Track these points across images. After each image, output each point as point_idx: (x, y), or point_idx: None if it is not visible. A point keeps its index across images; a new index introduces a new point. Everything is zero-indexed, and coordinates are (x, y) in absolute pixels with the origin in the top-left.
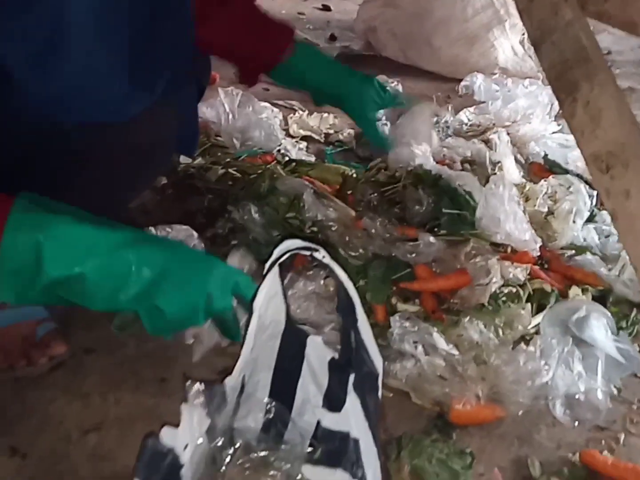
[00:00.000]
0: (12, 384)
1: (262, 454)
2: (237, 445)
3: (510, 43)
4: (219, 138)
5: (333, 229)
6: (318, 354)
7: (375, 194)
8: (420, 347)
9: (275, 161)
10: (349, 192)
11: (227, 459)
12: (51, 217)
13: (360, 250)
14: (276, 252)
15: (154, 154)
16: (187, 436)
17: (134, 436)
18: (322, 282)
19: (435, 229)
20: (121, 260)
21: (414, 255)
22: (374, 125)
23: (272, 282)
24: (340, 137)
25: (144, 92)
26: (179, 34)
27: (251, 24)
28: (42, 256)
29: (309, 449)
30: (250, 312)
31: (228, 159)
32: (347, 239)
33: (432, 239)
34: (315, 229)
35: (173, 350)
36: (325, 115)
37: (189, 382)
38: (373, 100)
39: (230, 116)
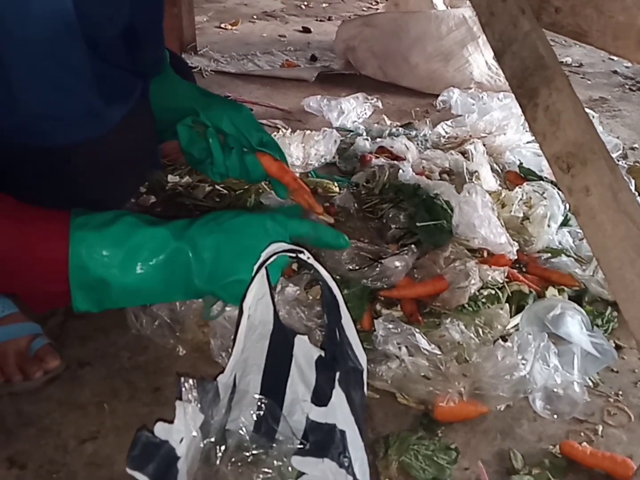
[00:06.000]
0: (8, 398)
1: (255, 452)
2: (230, 443)
3: (484, 58)
4: None
5: None
6: (305, 352)
7: (356, 206)
8: (404, 348)
9: None
10: (330, 204)
11: (221, 457)
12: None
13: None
14: (263, 255)
15: (140, 155)
16: (181, 430)
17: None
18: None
19: (412, 245)
20: (180, 254)
21: (377, 282)
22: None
23: (260, 283)
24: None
25: (118, 102)
26: (153, 34)
27: None
28: (107, 266)
29: (300, 446)
30: (240, 312)
31: None
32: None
33: (397, 262)
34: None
35: (166, 361)
36: (308, 132)
37: (182, 379)
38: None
39: None
